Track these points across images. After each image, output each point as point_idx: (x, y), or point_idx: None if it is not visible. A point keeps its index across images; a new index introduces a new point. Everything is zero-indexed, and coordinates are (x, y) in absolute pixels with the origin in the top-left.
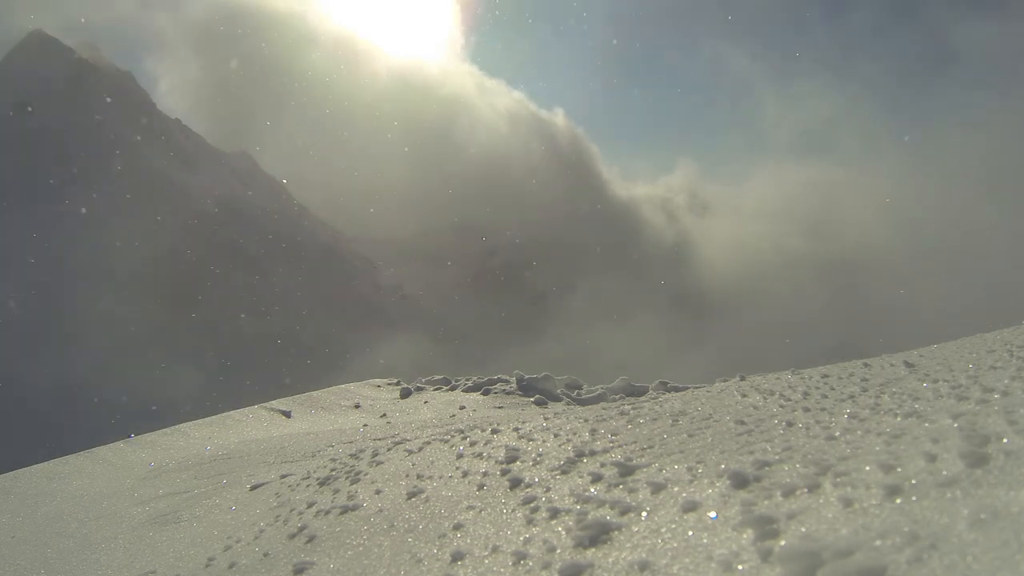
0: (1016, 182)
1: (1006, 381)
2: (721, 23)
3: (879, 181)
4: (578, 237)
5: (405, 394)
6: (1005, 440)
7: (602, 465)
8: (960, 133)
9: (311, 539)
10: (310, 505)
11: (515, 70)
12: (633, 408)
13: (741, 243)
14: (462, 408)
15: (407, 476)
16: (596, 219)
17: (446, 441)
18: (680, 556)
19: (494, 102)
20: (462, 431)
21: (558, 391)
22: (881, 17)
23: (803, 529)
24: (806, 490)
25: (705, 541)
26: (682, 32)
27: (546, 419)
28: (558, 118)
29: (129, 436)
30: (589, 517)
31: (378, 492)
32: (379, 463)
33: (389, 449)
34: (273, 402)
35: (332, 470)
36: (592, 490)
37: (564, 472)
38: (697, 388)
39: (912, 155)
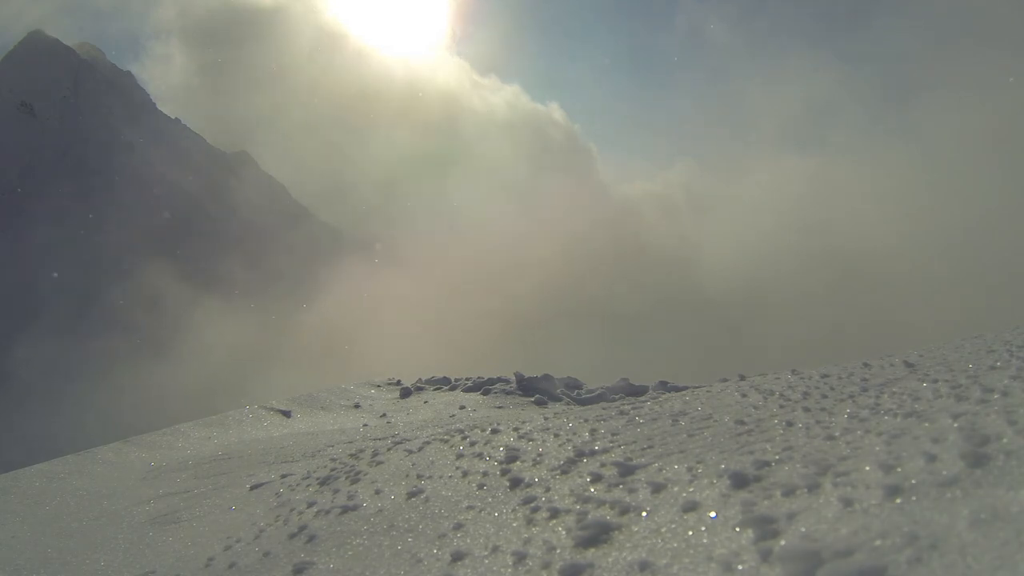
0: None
1: (1006, 381)
2: (715, 13)
3: (879, 174)
4: (577, 235)
5: (405, 394)
6: (1005, 440)
7: (602, 465)
8: (965, 118)
9: (311, 539)
10: (310, 505)
11: (511, 65)
12: (633, 408)
13: (739, 240)
14: (462, 408)
15: (407, 476)
16: (595, 216)
17: (446, 441)
18: (680, 556)
19: (491, 98)
20: (462, 431)
21: (558, 391)
22: None
23: (803, 529)
24: (806, 490)
25: (705, 541)
26: (672, 21)
27: (546, 419)
28: (555, 112)
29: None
30: (589, 517)
31: (378, 492)
32: (379, 463)
33: (389, 449)
34: (273, 402)
35: (332, 470)
36: (592, 490)
37: (564, 472)
38: (697, 388)
39: (914, 145)
